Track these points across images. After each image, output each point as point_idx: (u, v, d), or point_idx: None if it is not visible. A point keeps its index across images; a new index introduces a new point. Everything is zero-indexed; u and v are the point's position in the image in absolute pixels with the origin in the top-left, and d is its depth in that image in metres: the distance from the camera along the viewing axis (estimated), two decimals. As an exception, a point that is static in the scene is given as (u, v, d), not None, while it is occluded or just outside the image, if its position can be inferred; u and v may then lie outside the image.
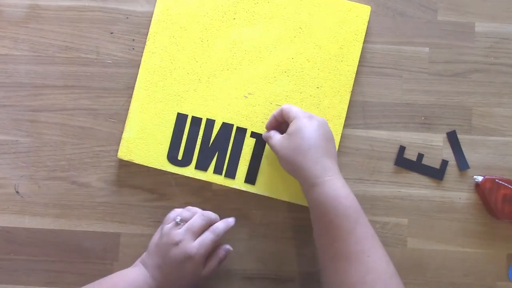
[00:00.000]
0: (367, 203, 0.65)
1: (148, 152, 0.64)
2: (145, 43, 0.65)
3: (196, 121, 0.64)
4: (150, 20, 0.65)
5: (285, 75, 0.65)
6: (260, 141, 0.64)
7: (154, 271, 0.56)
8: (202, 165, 0.64)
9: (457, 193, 0.66)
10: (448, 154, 0.66)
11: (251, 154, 0.64)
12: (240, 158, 0.64)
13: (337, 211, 0.52)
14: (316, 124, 0.57)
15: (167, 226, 0.57)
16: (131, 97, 0.64)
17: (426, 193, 0.66)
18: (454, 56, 0.67)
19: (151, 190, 0.65)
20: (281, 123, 0.61)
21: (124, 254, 0.64)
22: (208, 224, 0.58)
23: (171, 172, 0.64)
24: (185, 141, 0.64)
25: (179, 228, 0.56)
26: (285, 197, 0.64)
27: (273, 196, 0.64)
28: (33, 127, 0.65)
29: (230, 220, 0.59)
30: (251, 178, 0.64)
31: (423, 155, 0.66)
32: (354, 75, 0.65)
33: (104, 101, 0.65)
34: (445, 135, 0.66)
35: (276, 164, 0.63)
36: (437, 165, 0.66)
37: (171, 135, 0.64)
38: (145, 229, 0.65)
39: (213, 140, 0.64)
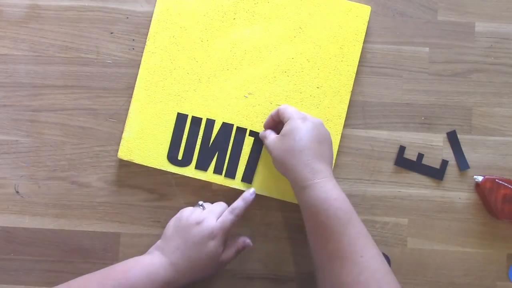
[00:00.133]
0: (367, 203, 0.65)
1: (148, 152, 0.64)
2: (145, 43, 0.65)
3: (196, 121, 0.64)
4: (150, 20, 0.65)
5: (285, 75, 0.65)
6: (258, 141, 0.64)
7: (173, 254, 0.56)
8: (202, 165, 0.64)
9: (457, 193, 0.66)
10: (448, 154, 0.66)
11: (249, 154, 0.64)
12: (240, 158, 0.64)
13: (327, 213, 0.53)
14: (310, 125, 0.57)
15: (188, 209, 0.59)
16: (131, 97, 0.64)
17: (426, 193, 0.66)
18: (454, 56, 0.67)
19: (151, 190, 0.65)
20: (278, 123, 0.61)
21: (124, 254, 0.64)
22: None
23: (171, 172, 0.64)
24: (185, 141, 0.64)
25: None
26: (284, 197, 0.64)
27: (272, 196, 0.64)
28: (33, 127, 0.65)
29: (248, 196, 0.60)
30: (248, 177, 0.64)
31: (423, 155, 0.66)
32: (354, 75, 0.65)
33: (104, 101, 0.65)
34: (445, 135, 0.66)
35: (276, 164, 0.63)
36: (437, 165, 0.66)
37: (171, 135, 0.64)
38: (145, 229, 0.65)
39: (213, 140, 0.64)
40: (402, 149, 0.66)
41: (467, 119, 0.66)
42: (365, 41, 0.66)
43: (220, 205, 0.60)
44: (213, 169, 0.64)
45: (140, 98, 0.64)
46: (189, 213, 0.59)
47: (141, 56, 0.65)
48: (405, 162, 0.66)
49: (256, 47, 0.65)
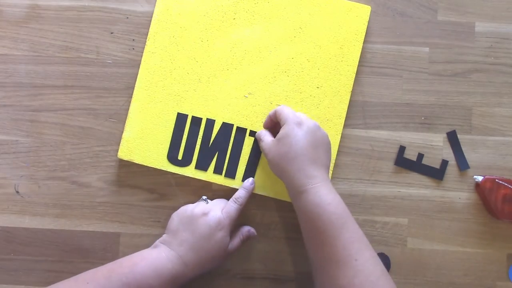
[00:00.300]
0: (367, 203, 0.65)
1: (148, 152, 0.64)
2: (145, 43, 0.65)
3: (196, 121, 0.64)
4: (150, 20, 0.65)
5: (285, 75, 0.65)
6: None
7: (180, 247, 0.56)
8: (202, 165, 0.64)
9: (457, 193, 0.66)
10: (448, 154, 0.66)
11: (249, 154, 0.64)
12: (240, 158, 0.64)
13: (322, 217, 0.54)
14: (305, 130, 0.57)
15: (192, 204, 0.60)
16: (131, 97, 0.64)
17: (426, 193, 0.66)
18: (454, 56, 0.67)
19: (151, 190, 0.65)
20: (276, 123, 0.62)
21: (124, 254, 0.64)
22: None
23: (171, 172, 0.64)
24: (185, 141, 0.64)
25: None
26: (284, 197, 0.64)
27: (272, 196, 0.64)
28: (33, 127, 0.65)
29: (248, 185, 0.62)
30: (248, 177, 0.64)
31: (423, 155, 0.66)
32: (354, 75, 0.65)
33: (104, 101, 0.65)
34: (445, 135, 0.66)
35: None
36: (437, 165, 0.66)
37: (171, 135, 0.64)
38: (145, 229, 0.65)
39: (213, 140, 0.64)
40: (402, 149, 0.66)
41: (467, 119, 0.66)
42: (365, 41, 0.66)
43: (223, 200, 0.61)
44: (213, 169, 0.64)
45: (140, 98, 0.64)
46: (193, 206, 0.59)
47: (141, 56, 0.65)
48: (405, 162, 0.66)
49: (256, 47, 0.65)
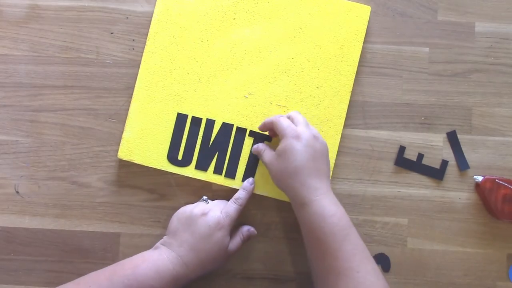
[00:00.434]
0: (367, 203, 0.65)
1: (148, 152, 0.64)
2: (145, 43, 0.65)
3: (196, 121, 0.64)
4: (150, 20, 0.65)
5: (285, 75, 0.65)
6: (258, 141, 0.64)
7: (180, 248, 0.56)
8: (202, 165, 0.64)
9: (457, 193, 0.66)
10: (448, 154, 0.66)
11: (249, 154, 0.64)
12: (240, 158, 0.64)
13: (324, 229, 0.54)
14: (304, 144, 0.57)
15: (192, 205, 0.60)
16: (131, 97, 0.64)
17: (426, 193, 0.66)
18: (454, 56, 0.67)
19: (151, 190, 0.65)
20: (271, 129, 0.62)
21: (124, 254, 0.64)
22: None
23: (171, 172, 0.64)
24: (185, 141, 0.64)
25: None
26: (284, 197, 0.64)
27: (272, 196, 0.64)
28: (33, 127, 0.65)
29: (249, 185, 0.62)
30: (248, 177, 0.64)
31: (423, 155, 0.66)
32: (354, 75, 0.65)
33: (104, 101, 0.65)
34: (445, 135, 0.66)
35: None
36: (437, 165, 0.66)
37: (171, 135, 0.64)
38: (145, 229, 0.65)
39: (213, 140, 0.64)
40: (402, 149, 0.66)
41: (467, 119, 0.66)
42: (365, 41, 0.66)
43: (223, 201, 0.61)
44: (213, 169, 0.64)
45: (140, 98, 0.64)
46: (193, 206, 0.59)
47: (141, 56, 0.65)
48: (405, 162, 0.66)
49: (256, 47, 0.65)
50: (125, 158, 0.64)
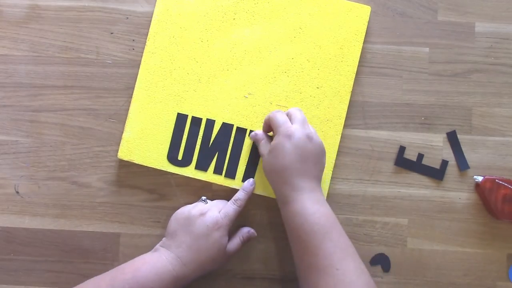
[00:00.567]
0: (367, 203, 0.65)
1: (148, 152, 0.64)
2: (145, 43, 0.65)
3: (196, 121, 0.64)
4: (150, 20, 0.65)
5: (285, 75, 0.65)
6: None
7: (179, 248, 0.57)
8: (202, 165, 0.64)
9: (457, 193, 0.66)
10: (448, 154, 0.66)
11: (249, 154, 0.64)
12: (240, 158, 0.64)
13: (303, 226, 0.55)
14: (294, 144, 0.57)
15: (190, 205, 0.60)
16: (131, 97, 0.64)
17: (426, 193, 0.66)
18: (454, 56, 0.67)
19: (151, 190, 0.65)
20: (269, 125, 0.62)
21: (124, 254, 0.64)
22: None
23: (171, 172, 0.64)
24: (185, 141, 0.64)
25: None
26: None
27: (272, 196, 0.64)
28: (33, 127, 0.65)
29: (249, 186, 0.62)
30: (248, 177, 0.64)
31: (423, 155, 0.66)
32: (354, 75, 0.65)
33: (104, 101, 0.65)
34: (445, 135, 0.66)
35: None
36: (437, 165, 0.66)
37: (171, 135, 0.64)
38: (145, 229, 0.65)
39: (213, 140, 0.64)
40: (402, 149, 0.66)
41: (467, 119, 0.66)
42: (365, 41, 0.66)
43: (222, 201, 0.61)
44: (213, 169, 0.64)
45: (140, 98, 0.64)
46: (191, 207, 0.60)
47: (141, 56, 0.65)
48: (405, 162, 0.66)
49: (256, 47, 0.65)
50: (125, 158, 0.64)
